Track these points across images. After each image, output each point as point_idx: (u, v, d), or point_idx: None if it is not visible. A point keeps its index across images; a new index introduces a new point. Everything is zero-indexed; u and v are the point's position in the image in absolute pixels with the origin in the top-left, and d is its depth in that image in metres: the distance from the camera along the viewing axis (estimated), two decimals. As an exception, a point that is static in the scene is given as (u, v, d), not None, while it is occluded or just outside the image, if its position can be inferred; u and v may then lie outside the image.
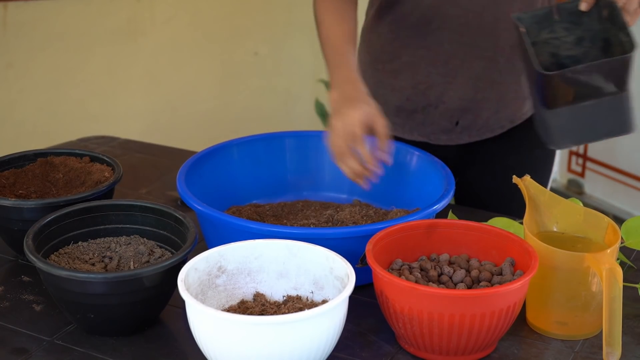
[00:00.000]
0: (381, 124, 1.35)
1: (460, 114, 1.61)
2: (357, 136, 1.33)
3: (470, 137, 1.64)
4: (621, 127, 1.21)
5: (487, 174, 1.69)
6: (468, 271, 1.22)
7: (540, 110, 1.21)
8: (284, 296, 1.21)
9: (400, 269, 1.23)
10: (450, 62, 1.57)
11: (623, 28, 1.20)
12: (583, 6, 1.24)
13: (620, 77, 1.16)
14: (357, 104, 1.35)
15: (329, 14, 1.48)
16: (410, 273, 1.21)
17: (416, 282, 1.18)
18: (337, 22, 1.47)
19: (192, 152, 1.80)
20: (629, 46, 1.19)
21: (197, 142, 2.57)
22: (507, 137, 1.65)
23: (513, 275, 1.20)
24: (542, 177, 1.67)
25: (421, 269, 1.22)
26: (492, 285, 1.19)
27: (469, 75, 1.57)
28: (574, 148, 3.49)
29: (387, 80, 1.63)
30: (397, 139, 1.60)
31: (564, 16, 1.25)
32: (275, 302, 1.20)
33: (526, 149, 1.65)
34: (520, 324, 1.25)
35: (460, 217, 1.41)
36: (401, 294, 1.12)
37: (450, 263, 1.25)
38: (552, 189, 1.39)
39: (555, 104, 1.19)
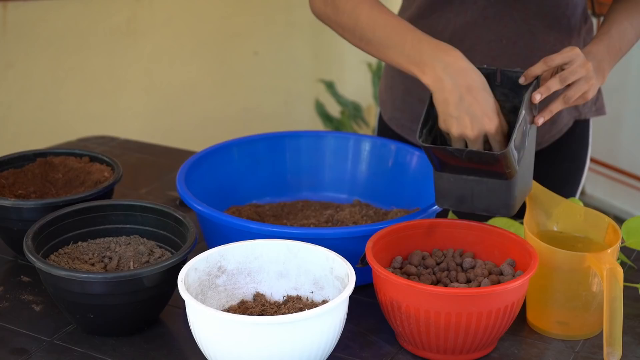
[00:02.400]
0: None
1: None
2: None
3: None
4: (499, 208, 1.23)
5: None
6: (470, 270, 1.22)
7: (432, 167, 1.24)
8: (284, 296, 1.21)
9: (401, 268, 1.23)
10: None
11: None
12: (521, 80, 1.24)
13: (498, 169, 1.18)
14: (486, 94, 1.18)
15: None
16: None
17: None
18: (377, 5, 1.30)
19: (192, 152, 1.80)
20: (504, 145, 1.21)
21: (197, 142, 2.57)
22: (537, 151, 1.63)
23: (514, 275, 1.19)
24: (570, 190, 1.66)
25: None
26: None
27: None
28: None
29: (416, 90, 1.58)
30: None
31: (504, 82, 1.26)
32: (275, 302, 1.20)
33: (556, 162, 1.63)
34: (521, 324, 1.25)
35: (460, 217, 1.40)
36: (399, 292, 1.12)
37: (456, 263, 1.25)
38: (552, 189, 1.39)
39: (443, 168, 1.22)
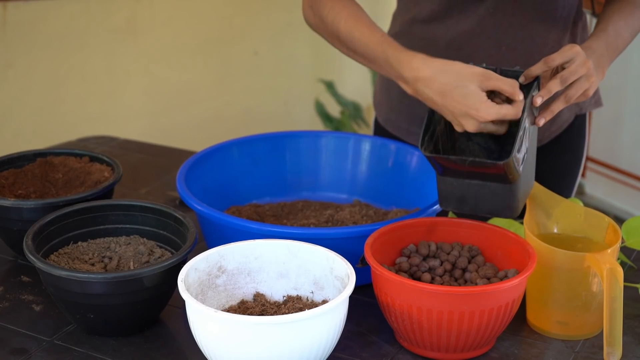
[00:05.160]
0: (499, 81, 1.17)
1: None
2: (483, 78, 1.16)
3: None
4: (503, 210, 1.23)
5: None
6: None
7: (435, 171, 1.24)
8: (284, 296, 1.21)
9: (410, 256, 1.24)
10: None
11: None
12: (521, 79, 1.24)
13: (501, 175, 1.18)
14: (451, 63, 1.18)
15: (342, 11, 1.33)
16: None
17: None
18: (355, 16, 1.32)
19: (192, 152, 1.80)
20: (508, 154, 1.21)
21: (197, 142, 2.57)
22: (538, 147, 1.62)
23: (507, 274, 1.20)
24: (570, 182, 1.65)
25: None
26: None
27: None
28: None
29: None
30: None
31: None
32: (275, 302, 1.20)
33: (557, 155, 1.62)
34: (521, 324, 1.25)
35: (460, 216, 1.40)
36: (396, 290, 1.12)
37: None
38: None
39: (445, 173, 1.22)
